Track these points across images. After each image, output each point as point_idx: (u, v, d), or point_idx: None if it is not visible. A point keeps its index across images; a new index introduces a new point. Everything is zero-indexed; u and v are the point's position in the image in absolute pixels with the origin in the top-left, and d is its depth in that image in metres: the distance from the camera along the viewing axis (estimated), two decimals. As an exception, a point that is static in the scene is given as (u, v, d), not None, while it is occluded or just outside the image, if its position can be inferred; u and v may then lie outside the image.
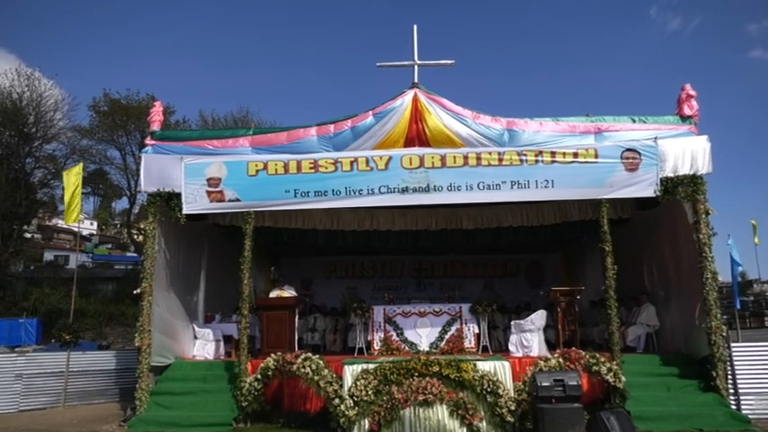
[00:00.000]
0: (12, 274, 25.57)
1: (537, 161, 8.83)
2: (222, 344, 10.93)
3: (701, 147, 8.90)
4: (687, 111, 9.25)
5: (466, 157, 8.93)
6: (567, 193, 8.95)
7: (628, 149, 8.80)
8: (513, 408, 7.45)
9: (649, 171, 8.74)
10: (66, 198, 11.78)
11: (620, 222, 10.49)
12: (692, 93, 9.28)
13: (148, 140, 9.95)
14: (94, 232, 55.18)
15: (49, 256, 37.41)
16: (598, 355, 8.10)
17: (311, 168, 9.06)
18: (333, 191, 9.03)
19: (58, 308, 19.44)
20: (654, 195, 8.78)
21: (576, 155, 8.82)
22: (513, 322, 10.24)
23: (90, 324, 20.02)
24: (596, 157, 8.81)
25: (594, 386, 8.07)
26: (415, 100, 9.25)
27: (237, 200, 9.16)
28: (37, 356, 11.16)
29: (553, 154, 8.84)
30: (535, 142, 9.05)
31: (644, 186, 8.77)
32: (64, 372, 10.96)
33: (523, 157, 8.85)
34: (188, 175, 9.18)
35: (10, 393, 10.43)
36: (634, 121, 9.29)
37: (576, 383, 7.10)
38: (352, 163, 9.04)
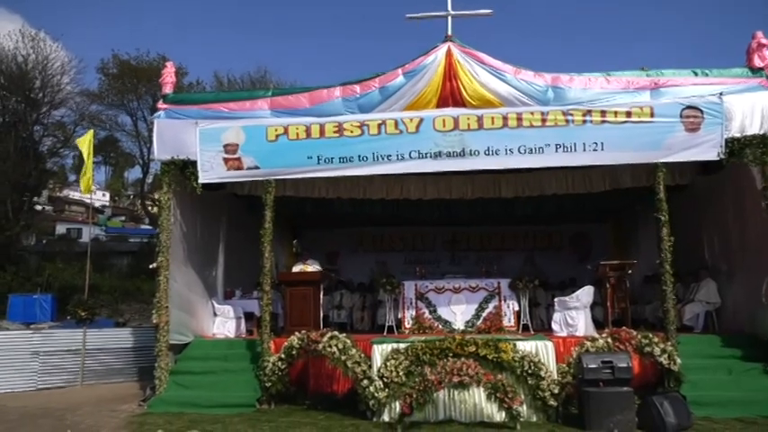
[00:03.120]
0: (24, 248, 26.49)
1: (585, 121, 8.64)
2: (243, 321, 11.20)
3: (773, 103, 8.58)
4: (758, 62, 8.90)
5: (505, 118, 8.79)
6: (619, 156, 8.76)
7: (688, 107, 8.53)
8: (556, 391, 7.46)
9: (713, 131, 8.48)
10: (84, 169, 12.07)
11: (678, 189, 10.26)
12: (765, 41, 8.91)
13: (160, 104, 10.06)
14: (107, 204, 56.64)
15: (61, 229, 38.58)
16: (651, 335, 8.02)
17: (335, 132, 9.05)
18: (359, 156, 9.02)
19: (72, 283, 20.09)
20: (717, 158, 8.53)
21: (629, 114, 8.60)
22: (556, 299, 10.20)
23: (105, 300, 20.67)
24: (652, 115, 8.57)
25: (647, 369, 8.03)
26: (449, 55, 9.09)
27: (256, 167, 9.24)
28: (53, 333, 11.64)
29: (603, 113, 8.64)
30: (583, 100, 8.85)
31: (706, 148, 8.53)
32: (81, 349, 11.42)
33: (570, 117, 8.67)
34: (203, 141, 9.27)
35: (28, 372, 10.94)
36: (696, 75, 8.99)
37: (626, 365, 7.09)
38: (379, 126, 8.99)
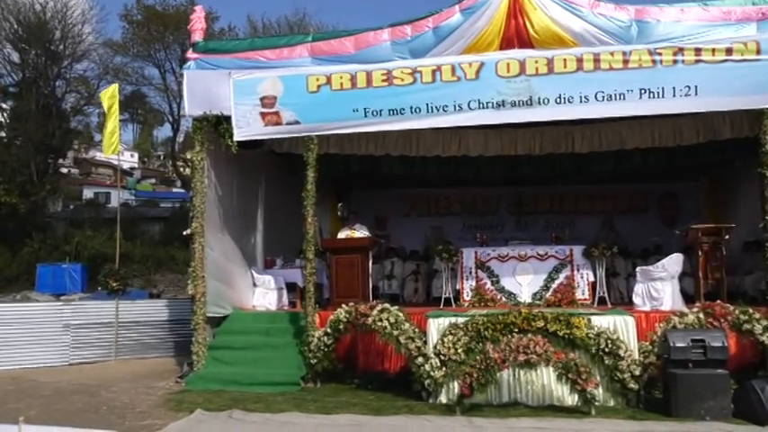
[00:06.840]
0: (51, 214, 27.70)
1: (675, 61, 8.31)
2: (285, 293, 11.49)
3: None
4: None
5: (580, 60, 8.54)
6: (716, 102, 8.44)
7: (804, 41, 8.11)
8: (637, 373, 7.38)
9: (833, 70, 8.05)
10: (109, 126, 12.40)
11: (788, 140, 9.82)
12: None
13: (190, 54, 10.19)
14: (136, 165, 58.44)
15: (88, 193, 40.14)
16: (751, 311, 7.82)
17: (384, 81, 8.99)
18: (411, 108, 8.95)
19: (102, 252, 20.97)
20: (838, 103, 8.12)
21: (729, 51, 8.22)
22: (638, 269, 10.06)
23: (137, 270, 21.55)
24: (758, 52, 8.16)
25: (745, 349, 7.88)
26: (514, -13, 8.87)
27: (297, 122, 9.30)
28: (84, 305, 12.30)
29: (698, 51, 8.28)
30: (674, 37, 8.50)
31: (825, 91, 8.12)
32: (113, 322, 11.96)
33: (657, 57, 8.35)
34: (238, 94, 9.37)
35: (59, 345, 11.57)
36: (814, 1, 8.52)
37: (720, 345, 6.95)
38: (434, 72, 8.88)
